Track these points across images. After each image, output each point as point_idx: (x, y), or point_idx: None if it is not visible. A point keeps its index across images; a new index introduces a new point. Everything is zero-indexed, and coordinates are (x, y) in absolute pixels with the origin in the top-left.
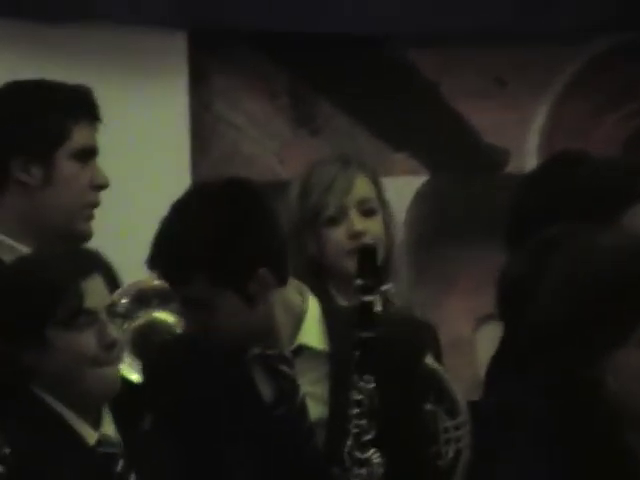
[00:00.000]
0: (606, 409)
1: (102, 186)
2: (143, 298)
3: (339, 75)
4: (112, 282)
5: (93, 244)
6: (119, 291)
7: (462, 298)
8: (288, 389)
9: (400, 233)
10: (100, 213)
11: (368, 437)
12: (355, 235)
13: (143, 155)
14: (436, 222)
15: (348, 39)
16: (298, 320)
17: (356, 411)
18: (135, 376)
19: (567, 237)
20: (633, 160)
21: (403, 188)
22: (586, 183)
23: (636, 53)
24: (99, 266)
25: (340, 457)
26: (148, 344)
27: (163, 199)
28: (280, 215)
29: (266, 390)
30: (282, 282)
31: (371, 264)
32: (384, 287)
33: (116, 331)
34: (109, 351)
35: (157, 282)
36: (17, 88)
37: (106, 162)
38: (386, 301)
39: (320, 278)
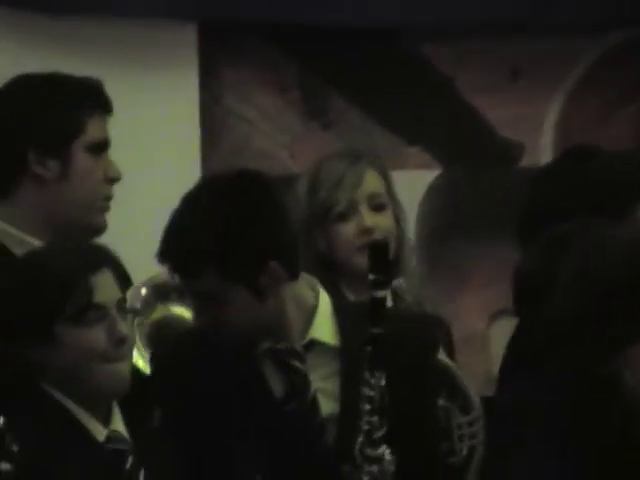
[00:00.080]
0: (623, 405)
1: (115, 179)
2: (162, 292)
3: (352, 68)
4: (121, 278)
5: (102, 238)
6: (138, 283)
7: (475, 293)
8: (299, 384)
9: (411, 228)
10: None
11: (379, 434)
12: (365, 231)
13: (153, 149)
14: (449, 216)
15: (361, 32)
16: (309, 315)
17: (367, 407)
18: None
19: (581, 232)
20: None
21: (416, 182)
22: (599, 177)
23: None
24: (108, 261)
25: (351, 454)
26: (163, 338)
27: (173, 193)
28: (290, 209)
29: (277, 385)
30: (293, 276)
31: (383, 259)
32: (394, 282)
33: (126, 327)
34: (119, 347)
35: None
36: (29, 81)
37: (115, 155)
38: (396, 297)
39: (330, 274)
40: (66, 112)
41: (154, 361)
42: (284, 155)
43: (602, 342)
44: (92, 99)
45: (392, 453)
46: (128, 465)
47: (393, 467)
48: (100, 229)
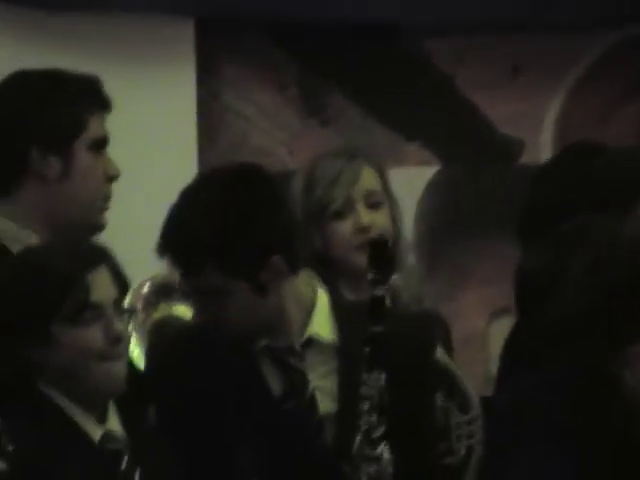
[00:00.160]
0: (623, 405)
1: (115, 177)
2: (164, 290)
3: (350, 65)
4: (118, 276)
5: (99, 235)
6: (142, 281)
7: (475, 292)
8: (298, 383)
9: (410, 225)
10: None
11: (378, 433)
12: (362, 229)
13: (150, 145)
14: (449, 214)
15: (360, 29)
16: (308, 312)
17: (366, 407)
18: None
19: (584, 230)
20: None
21: (415, 179)
22: (602, 174)
23: None
24: (105, 260)
25: (349, 453)
26: (163, 337)
27: (170, 189)
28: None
29: (275, 383)
30: (295, 270)
31: (382, 257)
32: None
33: (122, 326)
34: (115, 346)
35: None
36: (29, 77)
37: (112, 151)
38: (393, 294)
39: (327, 272)
40: (68, 109)
41: (151, 358)
42: (282, 152)
43: (605, 341)
44: (93, 96)
45: (390, 453)
46: (124, 465)
47: (391, 467)
48: (100, 227)
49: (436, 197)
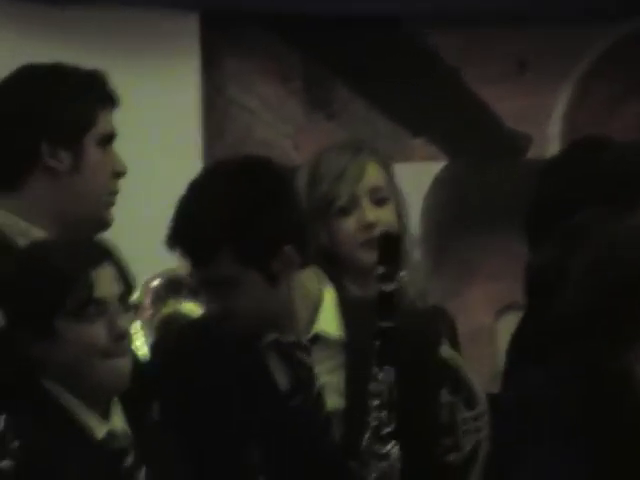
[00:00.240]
0: (633, 400)
1: (122, 173)
2: (174, 286)
3: (355, 58)
4: (121, 272)
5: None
6: (152, 275)
7: (482, 288)
8: (305, 378)
9: (416, 221)
10: None
11: (387, 430)
12: (367, 226)
13: (155, 139)
14: (455, 210)
15: (365, 21)
16: (315, 307)
17: (376, 403)
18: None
19: (594, 225)
20: None
21: (421, 174)
22: (610, 168)
23: None
24: (109, 256)
25: (357, 450)
26: (171, 333)
27: (175, 183)
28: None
29: (282, 379)
30: (305, 261)
31: (392, 252)
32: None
33: (126, 322)
34: (119, 342)
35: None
36: (37, 71)
37: (117, 146)
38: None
39: (332, 269)
40: (78, 104)
41: (157, 354)
42: (287, 145)
43: (613, 337)
44: (101, 91)
45: (399, 450)
46: (128, 462)
47: (400, 464)
48: (107, 224)
49: (443, 192)
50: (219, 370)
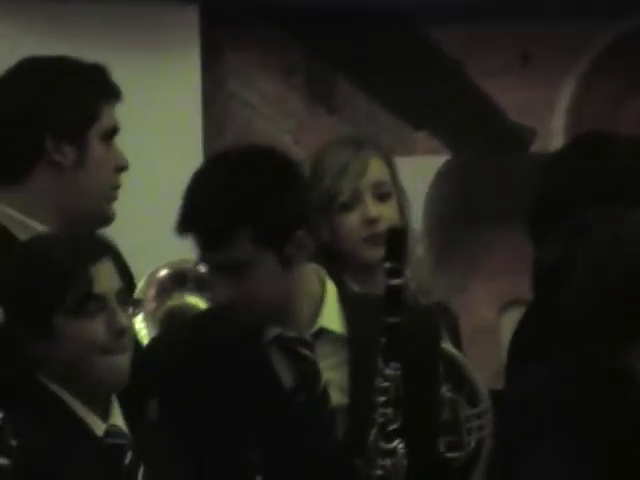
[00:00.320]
0: (635, 399)
1: (124, 168)
2: (179, 279)
3: (357, 51)
4: (120, 268)
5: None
6: (158, 267)
7: (486, 283)
8: (309, 374)
9: (419, 215)
10: None
11: (394, 426)
12: (370, 221)
13: (155, 133)
14: (458, 204)
15: (368, 14)
16: (317, 303)
17: (382, 399)
18: None
19: (599, 223)
20: None
21: (423, 168)
22: (615, 162)
23: None
24: (108, 251)
25: (361, 447)
26: (176, 327)
27: (175, 178)
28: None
29: (286, 376)
30: (314, 247)
31: (400, 247)
32: None
33: (126, 318)
34: (119, 339)
35: (201, 266)
36: (39, 65)
37: (116, 140)
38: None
39: (334, 265)
40: (82, 98)
41: (160, 347)
42: (288, 140)
43: (613, 337)
44: (105, 85)
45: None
46: (127, 460)
47: (406, 461)
48: (109, 218)
49: (445, 187)
50: (223, 366)
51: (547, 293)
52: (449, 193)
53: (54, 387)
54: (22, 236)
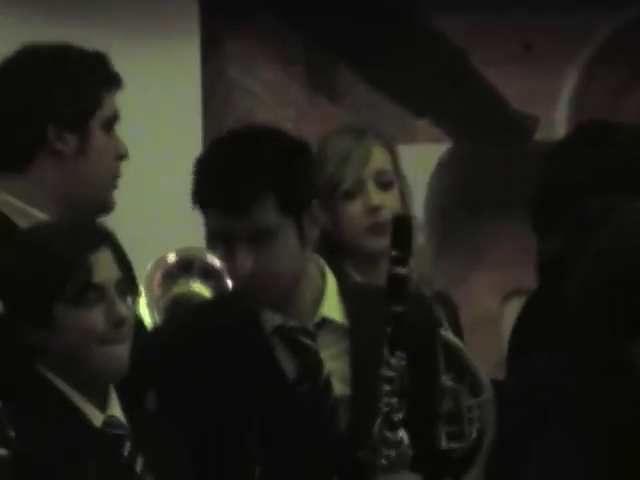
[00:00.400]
0: (636, 391)
1: (124, 156)
2: (186, 266)
3: (358, 40)
4: (119, 257)
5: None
6: (165, 254)
7: (488, 273)
8: (312, 364)
9: (420, 203)
10: None
11: (399, 416)
12: (372, 210)
13: (155, 123)
14: (460, 193)
15: (369, 3)
16: (319, 293)
17: (387, 389)
18: None
19: (604, 214)
20: None
21: (425, 156)
22: (618, 151)
23: None
24: (107, 240)
25: (365, 437)
26: (182, 314)
27: (175, 167)
28: None
29: (288, 366)
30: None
31: (406, 235)
32: None
33: (125, 308)
34: (118, 329)
35: (207, 254)
36: (37, 52)
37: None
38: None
39: (334, 255)
40: (84, 86)
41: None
42: (289, 129)
43: (614, 329)
44: (106, 72)
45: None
46: (126, 451)
47: (411, 450)
48: (110, 207)
49: (447, 176)
50: (234, 351)
51: (549, 284)
52: (451, 183)
53: (52, 378)
54: (23, 224)
